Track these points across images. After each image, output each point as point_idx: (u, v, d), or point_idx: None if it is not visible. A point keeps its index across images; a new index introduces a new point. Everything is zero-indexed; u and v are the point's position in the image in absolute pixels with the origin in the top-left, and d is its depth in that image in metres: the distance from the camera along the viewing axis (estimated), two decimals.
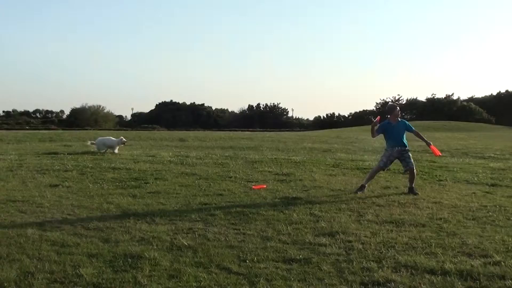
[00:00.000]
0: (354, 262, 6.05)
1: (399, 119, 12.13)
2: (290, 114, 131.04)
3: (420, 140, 12.24)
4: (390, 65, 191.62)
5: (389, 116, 12.19)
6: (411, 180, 11.59)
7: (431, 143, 12.14)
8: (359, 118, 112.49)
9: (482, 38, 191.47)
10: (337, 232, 7.51)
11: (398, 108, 12.39)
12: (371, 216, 8.70)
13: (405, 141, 11.88)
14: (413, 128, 12.21)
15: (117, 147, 21.54)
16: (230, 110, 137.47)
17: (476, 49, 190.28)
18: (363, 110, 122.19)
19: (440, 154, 13.18)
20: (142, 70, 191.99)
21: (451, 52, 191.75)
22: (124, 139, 22.09)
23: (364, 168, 15.95)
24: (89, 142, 23.10)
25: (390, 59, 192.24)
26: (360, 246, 6.78)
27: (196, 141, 33.89)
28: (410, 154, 11.86)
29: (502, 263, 6.04)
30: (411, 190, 11.38)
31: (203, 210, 9.22)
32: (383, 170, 12.17)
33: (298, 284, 5.32)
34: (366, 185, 11.68)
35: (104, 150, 21.29)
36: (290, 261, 6.12)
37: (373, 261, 6.13)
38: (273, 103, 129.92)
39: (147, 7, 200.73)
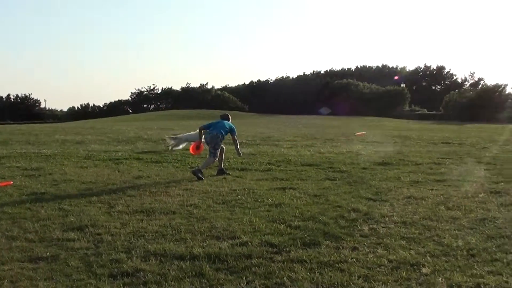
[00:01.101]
0: (103, 255, 5.97)
1: None
2: (42, 105, 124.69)
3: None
4: (144, 54, 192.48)
5: None
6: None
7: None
8: (115, 108, 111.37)
9: (232, 33, 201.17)
10: (87, 225, 7.34)
11: None
12: (122, 207, 8.62)
13: None
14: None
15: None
16: None
17: (228, 41, 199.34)
18: (119, 100, 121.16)
19: (193, 153, 13.60)
20: None
21: (203, 43, 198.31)
22: None
23: (117, 159, 15.79)
24: (169, 140, 19.44)
25: (144, 49, 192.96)
26: (110, 238, 6.70)
27: None
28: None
29: (249, 243, 6.41)
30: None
31: None
32: None
33: (45, 283, 5.13)
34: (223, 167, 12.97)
35: (181, 146, 18.68)
36: (37, 259, 5.87)
37: (122, 252, 6.10)
38: (25, 94, 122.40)
39: None
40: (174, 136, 19.74)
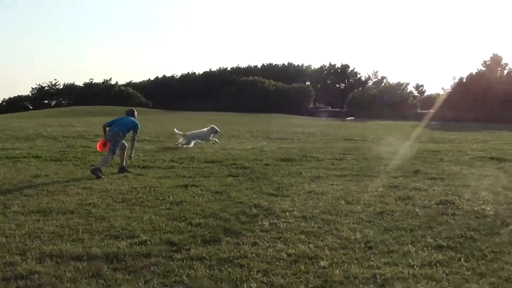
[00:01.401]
0: None
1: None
2: None
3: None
4: (44, 48, 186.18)
5: None
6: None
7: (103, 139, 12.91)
8: (14, 104, 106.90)
9: (136, 27, 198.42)
10: None
11: None
12: (18, 207, 8.32)
13: None
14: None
15: (210, 137, 20.30)
16: None
17: (132, 35, 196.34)
18: (18, 95, 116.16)
19: (100, 150, 13.25)
20: None
21: (107, 38, 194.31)
22: (216, 127, 20.42)
23: (15, 157, 15.17)
24: (179, 137, 20.12)
25: (46, 42, 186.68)
26: (4, 240, 6.48)
27: None
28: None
29: (148, 242, 6.40)
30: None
31: None
32: None
33: None
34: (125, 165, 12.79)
35: (192, 144, 19.48)
36: None
37: (17, 254, 5.94)
38: None
39: None
40: (182, 133, 20.16)
